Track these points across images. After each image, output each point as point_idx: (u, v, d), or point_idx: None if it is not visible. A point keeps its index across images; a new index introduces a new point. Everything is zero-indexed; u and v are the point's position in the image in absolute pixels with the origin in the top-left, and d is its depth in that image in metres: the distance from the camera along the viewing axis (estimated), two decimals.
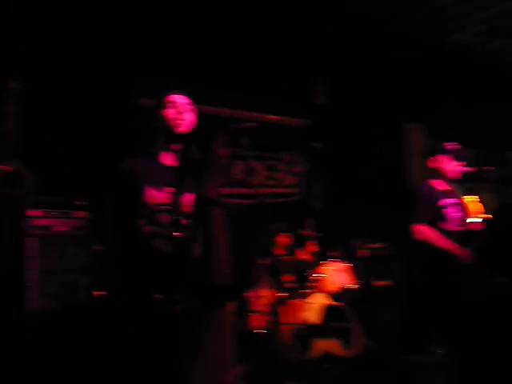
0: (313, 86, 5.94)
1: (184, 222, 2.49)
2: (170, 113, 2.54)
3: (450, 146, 3.80)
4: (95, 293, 3.35)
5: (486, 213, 4.60)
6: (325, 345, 4.31)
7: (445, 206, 3.70)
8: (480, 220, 4.04)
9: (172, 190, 2.47)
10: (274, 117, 5.80)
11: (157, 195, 2.44)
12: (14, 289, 3.15)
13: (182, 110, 2.55)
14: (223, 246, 2.64)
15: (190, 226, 2.51)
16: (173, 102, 2.56)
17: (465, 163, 3.80)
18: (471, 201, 5.74)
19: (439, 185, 3.80)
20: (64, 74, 4.21)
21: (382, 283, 5.52)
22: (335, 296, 4.56)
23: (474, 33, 6.17)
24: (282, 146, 5.94)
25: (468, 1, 5.37)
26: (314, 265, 4.80)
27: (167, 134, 2.54)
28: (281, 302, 4.58)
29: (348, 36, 5.50)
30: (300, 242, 5.11)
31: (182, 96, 2.60)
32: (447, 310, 3.55)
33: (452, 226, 3.68)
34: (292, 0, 4.94)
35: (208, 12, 4.76)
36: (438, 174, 3.80)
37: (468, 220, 3.98)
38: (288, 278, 4.80)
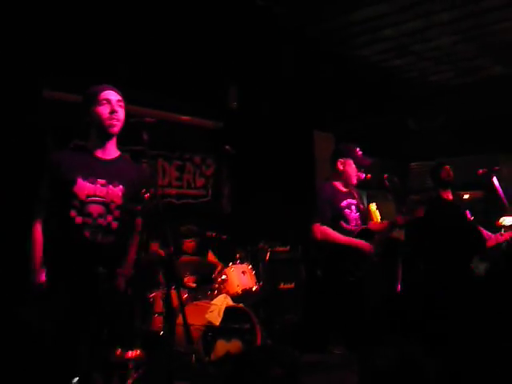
0: (226, 89, 5.97)
1: (116, 213, 2.53)
2: (104, 111, 2.52)
3: (354, 150, 3.90)
4: None
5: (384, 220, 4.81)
6: (227, 346, 4.32)
7: (346, 207, 3.80)
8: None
9: (103, 181, 2.52)
10: (185, 117, 5.76)
11: (88, 187, 2.48)
12: None
13: (116, 109, 2.55)
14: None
15: (120, 219, 2.55)
16: (108, 100, 2.54)
17: (365, 169, 3.92)
18: (374, 208, 5.97)
19: (341, 186, 3.89)
20: None
21: (287, 285, 5.64)
22: (239, 298, 4.59)
23: (382, 49, 6.48)
24: (192, 147, 5.90)
25: (378, 18, 5.61)
26: (218, 266, 4.81)
27: (100, 131, 2.56)
28: (184, 302, 4.55)
29: (262, 43, 5.59)
30: (206, 243, 5.11)
31: (114, 92, 2.59)
32: (349, 310, 3.64)
33: (352, 226, 3.79)
34: (208, 4, 4.95)
35: (123, 9, 4.65)
36: (342, 176, 3.89)
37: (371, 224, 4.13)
38: (192, 279, 4.78)
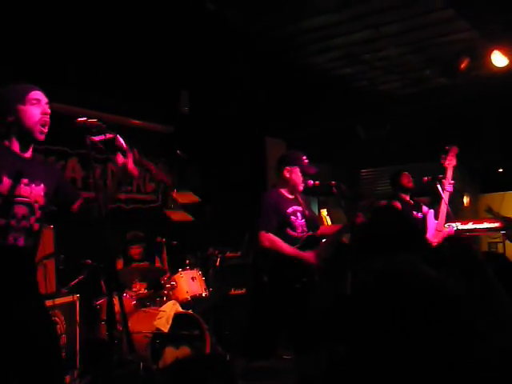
0: (177, 94, 5.93)
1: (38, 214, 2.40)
2: (35, 112, 2.36)
3: (300, 158, 3.93)
4: None
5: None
6: (176, 353, 4.28)
7: (292, 214, 3.82)
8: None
9: (26, 180, 2.36)
10: (136, 121, 5.69)
11: (13, 186, 2.31)
12: None
13: (48, 111, 2.40)
14: None
15: (41, 220, 2.42)
16: (38, 100, 2.39)
17: (315, 176, 3.96)
18: (325, 213, 6.04)
19: (287, 193, 3.92)
20: None
21: (237, 291, 5.63)
22: (188, 304, 4.56)
23: (333, 57, 6.58)
24: (143, 151, 5.80)
25: (329, 26, 5.69)
26: (167, 272, 4.76)
27: (25, 133, 2.38)
28: (132, 309, 4.48)
29: (213, 48, 5.57)
30: (155, 249, 5.05)
31: (43, 94, 2.43)
32: (295, 316, 3.66)
33: (298, 233, 3.81)
34: (159, 8, 4.90)
35: (72, 8, 4.53)
36: (288, 183, 3.91)
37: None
38: (144, 286, 4.72)
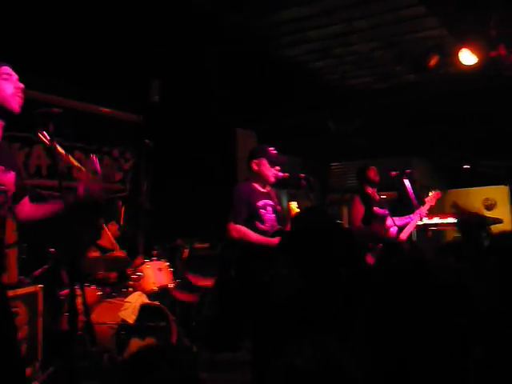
0: (147, 83, 5.84)
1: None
2: (8, 86, 2.27)
3: (266, 150, 3.94)
4: None
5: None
6: (141, 344, 4.24)
7: (262, 207, 3.83)
8: None
9: (2, 168, 2.28)
10: (105, 110, 5.60)
11: None
12: None
13: (19, 86, 2.31)
14: None
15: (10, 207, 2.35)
16: (9, 75, 2.30)
17: (284, 168, 3.98)
18: (295, 206, 6.03)
19: (259, 187, 3.93)
20: None
21: (205, 282, 5.61)
22: (154, 295, 4.52)
23: (305, 51, 6.59)
24: (111, 140, 5.74)
25: (302, 19, 5.69)
26: (133, 263, 4.70)
27: (1, 106, 2.28)
28: (97, 300, 4.42)
29: (185, 37, 5.51)
30: (122, 239, 4.99)
31: (11, 69, 2.34)
32: (261, 308, 3.66)
33: (267, 227, 3.82)
34: None
35: None
36: (258, 176, 3.92)
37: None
38: (106, 276, 4.65)
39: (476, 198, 9.03)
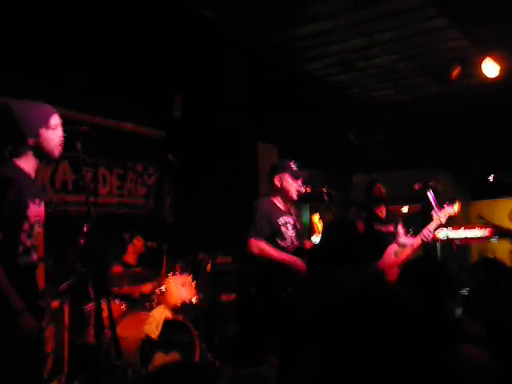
0: (170, 98, 5.92)
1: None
2: (56, 138, 2.44)
3: (288, 164, 3.93)
4: None
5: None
6: (165, 359, 4.25)
7: (283, 225, 3.82)
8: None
9: (37, 201, 2.47)
10: (128, 125, 5.68)
11: (35, 209, 2.42)
12: None
13: (62, 134, 2.49)
14: None
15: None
16: (57, 125, 2.46)
17: (303, 183, 3.95)
18: (317, 219, 6.00)
19: (280, 203, 3.92)
20: None
21: (228, 297, 5.62)
22: (178, 310, 4.54)
23: (327, 64, 6.61)
24: (135, 155, 5.81)
25: (324, 33, 5.71)
26: (157, 277, 4.74)
27: (43, 155, 2.47)
28: (121, 314, 4.45)
29: (208, 53, 5.57)
30: (147, 253, 5.03)
31: (58, 116, 2.51)
32: (282, 324, 3.63)
33: (287, 244, 3.80)
34: (155, 13, 4.90)
35: (67, 11, 4.51)
36: (280, 192, 3.91)
37: (313, 238, 4.17)
38: (130, 290, 4.69)
39: (502, 209, 8.89)
